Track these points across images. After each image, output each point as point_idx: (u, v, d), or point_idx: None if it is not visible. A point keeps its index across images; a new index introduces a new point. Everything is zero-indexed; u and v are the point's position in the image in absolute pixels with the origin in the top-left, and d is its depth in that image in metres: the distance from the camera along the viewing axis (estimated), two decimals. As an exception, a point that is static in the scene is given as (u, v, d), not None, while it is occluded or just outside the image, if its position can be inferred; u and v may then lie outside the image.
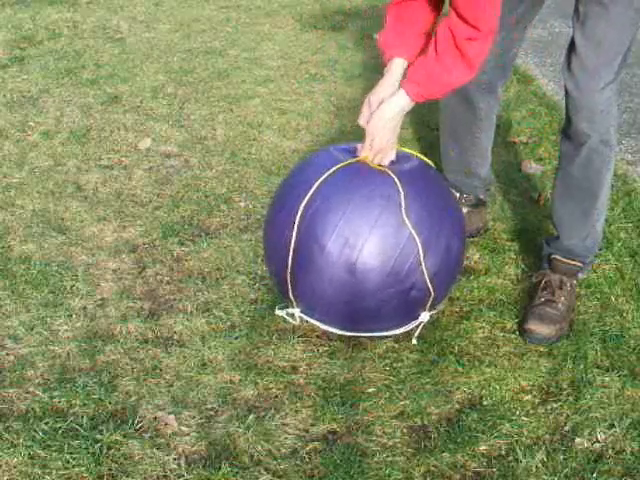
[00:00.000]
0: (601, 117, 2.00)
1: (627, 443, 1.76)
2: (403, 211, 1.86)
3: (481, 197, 2.53)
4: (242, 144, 3.20)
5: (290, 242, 1.89)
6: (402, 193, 1.87)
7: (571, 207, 2.14)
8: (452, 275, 2.02)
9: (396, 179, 1.89)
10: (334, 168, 1.92)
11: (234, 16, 4.98)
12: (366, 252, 1.85)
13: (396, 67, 1.96)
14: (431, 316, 2.01)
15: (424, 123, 3.04)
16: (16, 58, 4.13)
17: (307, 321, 2.01)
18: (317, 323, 1.99)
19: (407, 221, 1.86)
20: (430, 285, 1.90)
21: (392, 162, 1.97)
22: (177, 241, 2.51)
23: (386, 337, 2.01)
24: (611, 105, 2.01)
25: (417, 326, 2.00)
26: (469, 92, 2.25)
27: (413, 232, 1.86)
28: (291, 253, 1.90)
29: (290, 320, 2.03)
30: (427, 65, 1.86)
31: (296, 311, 2.00)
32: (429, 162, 2.07)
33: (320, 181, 1.90)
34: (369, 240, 1.85)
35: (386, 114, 1.92)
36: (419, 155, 2.08)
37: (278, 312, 2.08)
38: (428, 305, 1.96)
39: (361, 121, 2.00)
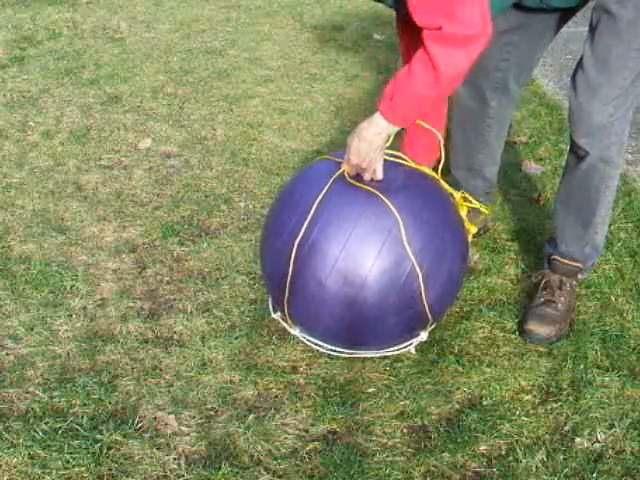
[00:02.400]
0: (601, 134, 1.92)
1: (627, 443, 1.76)
2: (405, 242, 1.78)
3: (480, 200, 2.51)
4: (242, 144, 3.19)
5: (287, 274, 1.84)
6: (401, 222, 1.78)
7: (570, 216, 2.12)
8: (452, 298, 2.00)
9: (393, 207, 1.79)
10: (326, 187, 1.82)
11: (234, 16, 4.98)
12: (367, 289, 1.79)
13: None
14: (430, 332, 2.01)
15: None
16: (16, 58, 4.13)
17: (307, 339, 1.99)
18: (316, 342, 1.97)
19: (409, 251, 1.78)
20: (429, 312, 1.88)
21: (389, 180, 1.87)
22: (177, 241, 2.51)
23: (386, 355, 1.99)
24: (615, 122, 1.90)
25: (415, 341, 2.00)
26: (482, 87, 2.23)
27: (415, 264, 1.79)
28: (288, 284, 1.85)
29: (285, 325, 2.02)
30: (397, 76, 1.74)
31: (295, 331, 1.99)
32: (424, 169, 1.97)
33: (316, 204, 1.80)
34: (370, 276, 1.78)
35: (363, 135, 1.80)
36: (408, 161, 1.97)
37: (274, 316, 2.08)
38: (427, 326, 1.96)
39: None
